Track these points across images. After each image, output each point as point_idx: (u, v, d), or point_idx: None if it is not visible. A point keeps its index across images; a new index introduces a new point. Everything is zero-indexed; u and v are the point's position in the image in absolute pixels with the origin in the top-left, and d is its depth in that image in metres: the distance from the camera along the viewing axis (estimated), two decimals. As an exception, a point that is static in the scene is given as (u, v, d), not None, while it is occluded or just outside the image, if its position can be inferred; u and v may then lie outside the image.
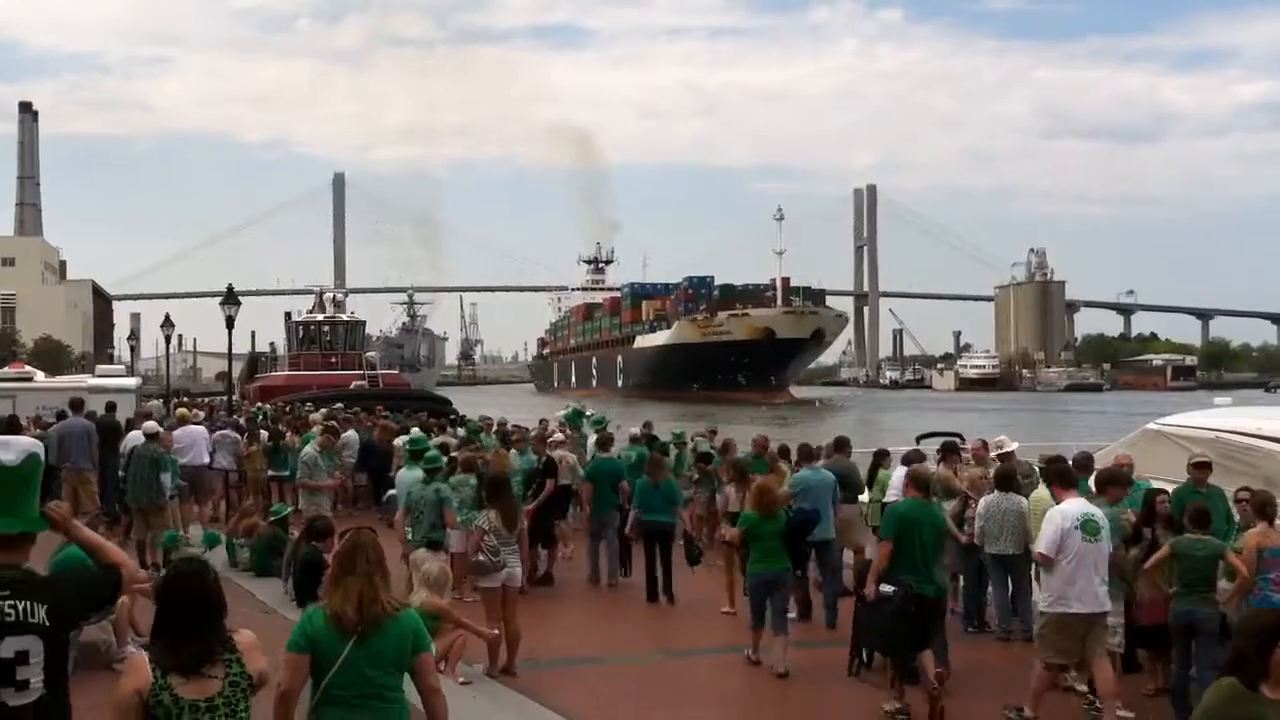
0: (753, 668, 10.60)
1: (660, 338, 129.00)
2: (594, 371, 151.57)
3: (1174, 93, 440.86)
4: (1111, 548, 9.04)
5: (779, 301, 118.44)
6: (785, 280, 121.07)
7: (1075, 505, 8.90)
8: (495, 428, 21.82)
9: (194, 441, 18.30)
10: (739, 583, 11.88)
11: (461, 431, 22.01)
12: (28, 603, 4.16)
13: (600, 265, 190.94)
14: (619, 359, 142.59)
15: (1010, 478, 11.80)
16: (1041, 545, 8.84)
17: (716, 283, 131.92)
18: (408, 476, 13.51)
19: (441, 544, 11.80)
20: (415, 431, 19.59)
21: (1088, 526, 8.68)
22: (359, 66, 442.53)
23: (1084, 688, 9.41)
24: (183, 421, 19.71)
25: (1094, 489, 10.34)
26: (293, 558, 12.05)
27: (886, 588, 9.34)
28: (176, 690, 4.18)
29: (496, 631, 10.13)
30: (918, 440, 17.85)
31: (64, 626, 4.27)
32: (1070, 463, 10.91)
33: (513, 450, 16.99)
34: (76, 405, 19.28)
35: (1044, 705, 8.89)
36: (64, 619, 4.27)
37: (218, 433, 20.67)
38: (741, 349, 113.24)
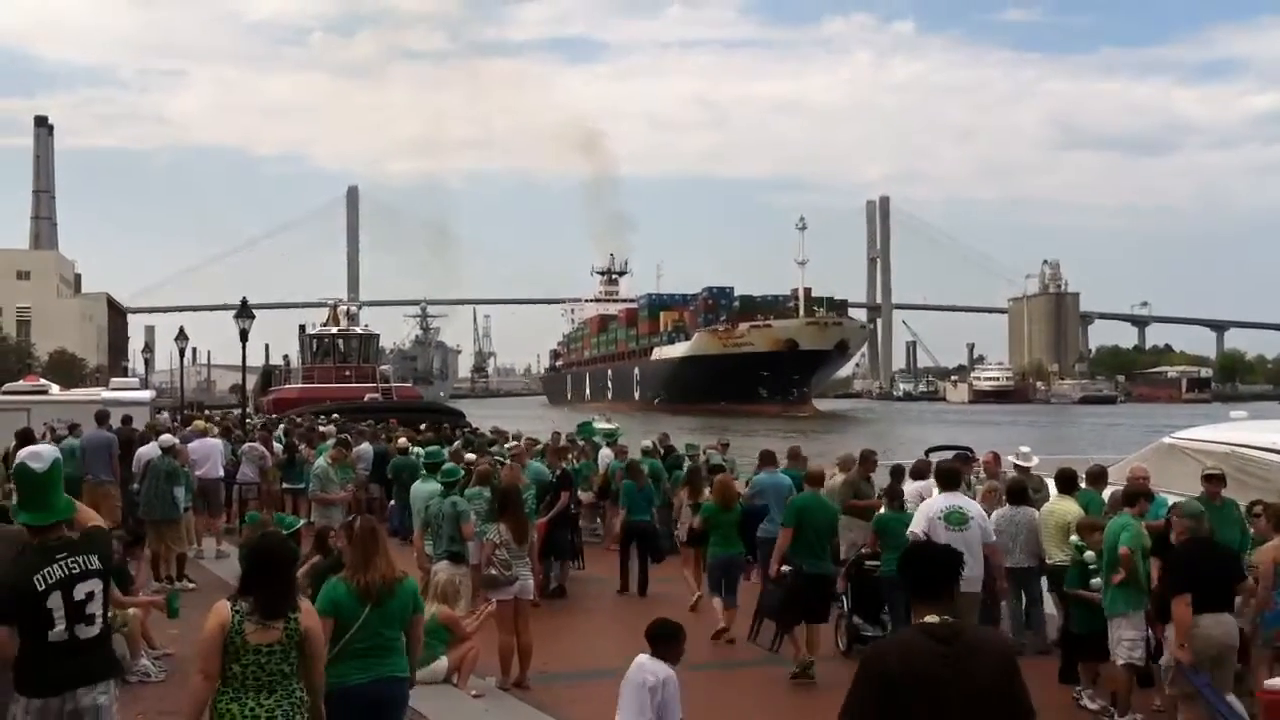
0: (764, 682, 10.64)
1: (679, 349, 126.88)
2: (609, 384, 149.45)
3: (1187, 104, 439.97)
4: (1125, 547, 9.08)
5: (801, 312, 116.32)
6: (807, 291, 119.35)
7: (943, 499, 10.21)
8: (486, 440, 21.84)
9: (209, 454, 18.37)
10: (698, 572, 13.61)
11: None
12: (84, 555, 5.59)
13: (614, 276, 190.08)
14: (636, 371, 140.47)
15: (1022, 490, 11.79)
16: (913, 530, 10.04)
17: (736, 294, 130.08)
18: (424, 489, 13.48)
19: (463, 557, 11.78)
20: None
21: (952, 517, 9.97)
22: (373, 80, 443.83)
23: (1096, 705, 9.41)
24: (200, 434, 19.77)
25: (1106, 500, 10.37)
26: (312, 571, 12.03)
27: (785, 568, 10.88)
28: (247, 635, 5.41)
29: (492, 610, 10.27)
30: (927, 453, 17.85)
31: (109, 571, 5.78)
32: (1017, 468, 12.75)
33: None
34: (101, 418, 19.38)
35: None
36: (108, 564, 5.77)
37: (245, 445, 20.80)
38: (763, 361, 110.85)
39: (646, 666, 6.79)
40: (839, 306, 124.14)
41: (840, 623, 11.78)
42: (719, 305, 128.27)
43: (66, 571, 5.50)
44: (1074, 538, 10.32)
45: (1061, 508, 11.17)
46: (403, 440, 21.94)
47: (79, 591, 5.51)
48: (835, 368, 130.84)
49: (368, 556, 6.49)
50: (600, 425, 22.02)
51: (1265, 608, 8.81)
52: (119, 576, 10.34)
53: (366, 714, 6.31)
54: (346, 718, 6.08)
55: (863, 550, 12.25)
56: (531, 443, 20.66)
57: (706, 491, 14.14)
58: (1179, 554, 8.53)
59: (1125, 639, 9.07)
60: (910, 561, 4.58)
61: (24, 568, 5.58)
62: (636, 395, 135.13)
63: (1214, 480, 10.43)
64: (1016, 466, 13.33)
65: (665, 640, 6.90)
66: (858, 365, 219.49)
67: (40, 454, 5.88)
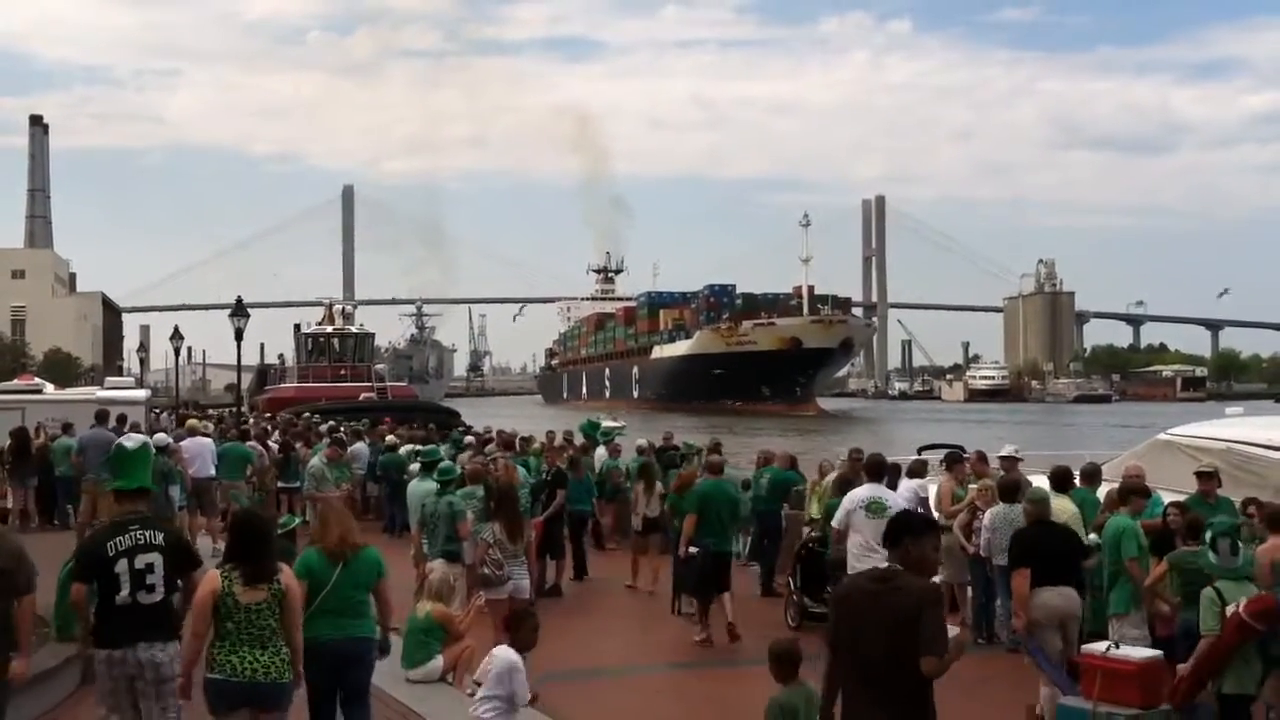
0: (760, 678, 10.64)
1: (680, 348, 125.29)
2: (607, 383, 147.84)
3: (1184, 103, 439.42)
4: (1131, 557, 9.34)
5: (805, 310, 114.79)
6: (811, 289, 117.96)
7: (866, 489, 11.21)
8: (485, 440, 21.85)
9: (200, 453, 18.31)
10: (652, 559, 15.12)
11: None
12: (151, 531, 6.75)
13: (610, 275, 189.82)
14: (635, 370, 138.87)
15: (1015, 489, 11.75)
16: (834, 522, 11.21)
17: (738, 291, 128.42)
18: (420, 488, 13.46)
19: (458, 556, 11.77)
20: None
21: (872, 506, 10.86)
22: (369, 79, 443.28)
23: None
24: (192, 433, 19.72)
25: (1101, 499, 10.36)
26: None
27: (693, 549, 12.16)
28: (238, 596, 6.36)
29: (481, 604, 10.35)
30: (919, 451, 17.91)
31: (172, 549, 6.78)
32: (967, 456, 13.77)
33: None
34: (101, 417, 19.34)
35: None
36: (171, 545, 6.81)
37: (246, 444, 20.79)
38: (766, 359, 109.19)
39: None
40: (843, 304, 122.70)
41: (789, 601, 13.02)
42: (721, 303, 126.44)
43: (134, 542, 6.67)
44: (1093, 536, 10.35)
45: (1056, 506, 11.13)
46: (391, 438, 22.01)
47: (140, 561, 6.64)
48: (839, 366, 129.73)
49: (330, 525, 7.40)
50: (607, 424, 22.02)
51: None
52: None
53: (334, 666, 7.08)
54: (317, 668, 6.86)
55: (811, 535, 13.33)
56: (525, 442, 20.72)
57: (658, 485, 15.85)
58: (1022, 534, 9.43)
59: (1128, 638, 9.07)
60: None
61: (101, 536, 6.90)
62: (636, 394, 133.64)
63: (1207, 478, 10.44)
64: (1003, 458, 13.30)
65: (517, 625, 7.95)
66: (853, 364, 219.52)
67: (133, 437, 8.02)
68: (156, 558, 6.69)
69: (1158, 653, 8.03)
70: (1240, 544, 8.53)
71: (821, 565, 12.29)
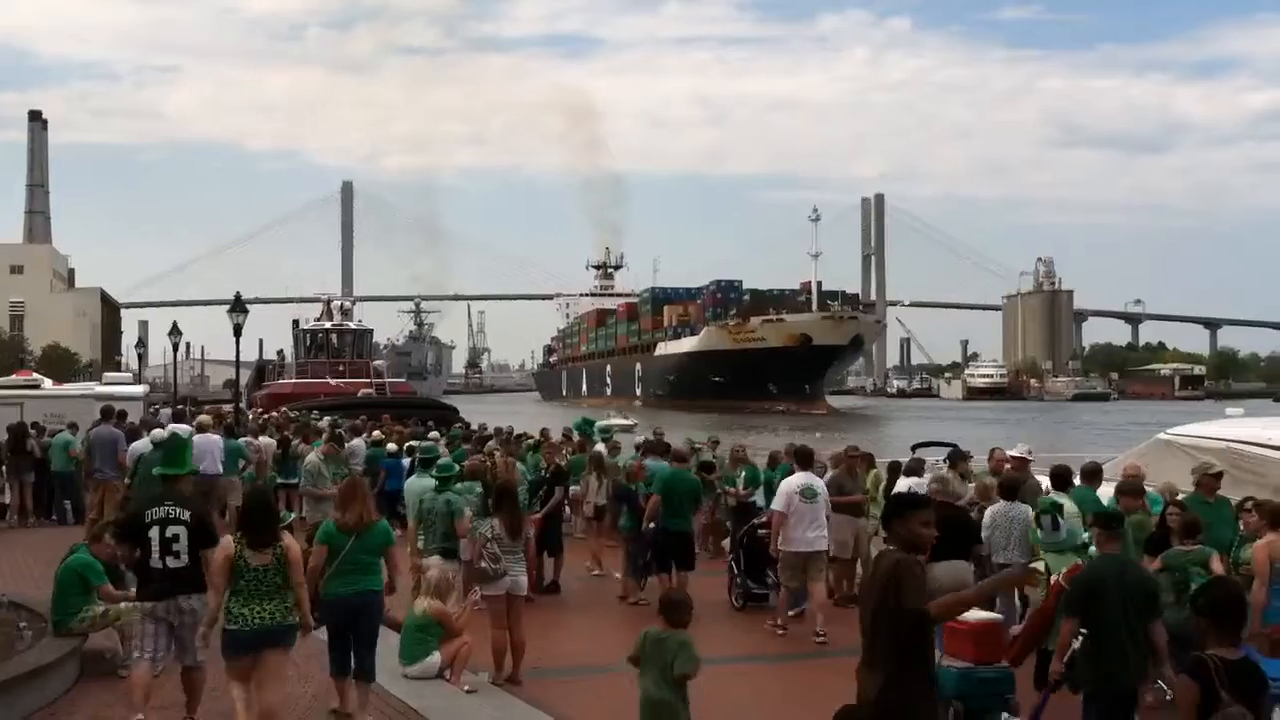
0: (760, 677, 10.67)
1: (686, 344, 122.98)
2: (609, 379, 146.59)
3: (1184, 102, 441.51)
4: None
5: (814, 306, 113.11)
6: (819, 284, 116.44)
7: (799, 478, 12.47)
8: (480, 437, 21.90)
9: (208, 450, 18.25)
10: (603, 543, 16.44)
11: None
12: (179, 507, 8.29)
13: (609, 271, 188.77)
14: (638, 366, 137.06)
15: (1015, 486, 11.73)
16: (775, 506, 12.47)
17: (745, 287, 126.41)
18: (418, 485, 13.44)
19: (455, 553, 11.72)
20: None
21: (806, 492, 12.25)
22: (368, 75, 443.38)
23: None
24: (200, 430, 19.63)
25: (1101, 497, 10.33)
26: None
27: (652, 526, 13.66)
28: (248, 559, 7.64)
29: (477, 599, 10.41)
30: (913, 449, 17.95)
31: (197, 524, 8.24)
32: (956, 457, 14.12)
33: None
34: (107, 414, 19.28)
35: (785, 618, 12.44)
36: (196, 520, 8.28)
37: (244, 440, 20.80)
38: (776, 356, 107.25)
39: None
40: (852, 300, 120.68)
41: (733, 583, 13.88)
42: (728, 299, 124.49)
43: (165, 515, 8.21)
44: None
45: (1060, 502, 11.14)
46: (377, 433, 22.21)
47: (169, 531, 8.16)
48: (848, 363, 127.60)
49: (348, 502, 8.86)
50: (619, 422, 22.14)
51: (1263, 606, 8.81)
52: (112, 572, 10.34)
53: (350, 616, 8.64)
54: (335, 618, 8.64)
55: (755, 521, 14.13)
56: (519, 440, 20.76)
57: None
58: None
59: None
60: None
61: (141, 505, 8.66)
62: (639, 391, 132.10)
63: (1213, 478, 10.41)
64: (1014, 458, 13.31)
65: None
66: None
67: (178, 429, 10.80)
68: (182, 530, 8.16)
69: (997, 616, 8.53)
70: (1061, 520, 10.16)
71: (764, 551, 13.26)
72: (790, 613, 12.61)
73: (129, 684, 8.64)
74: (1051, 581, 8.87)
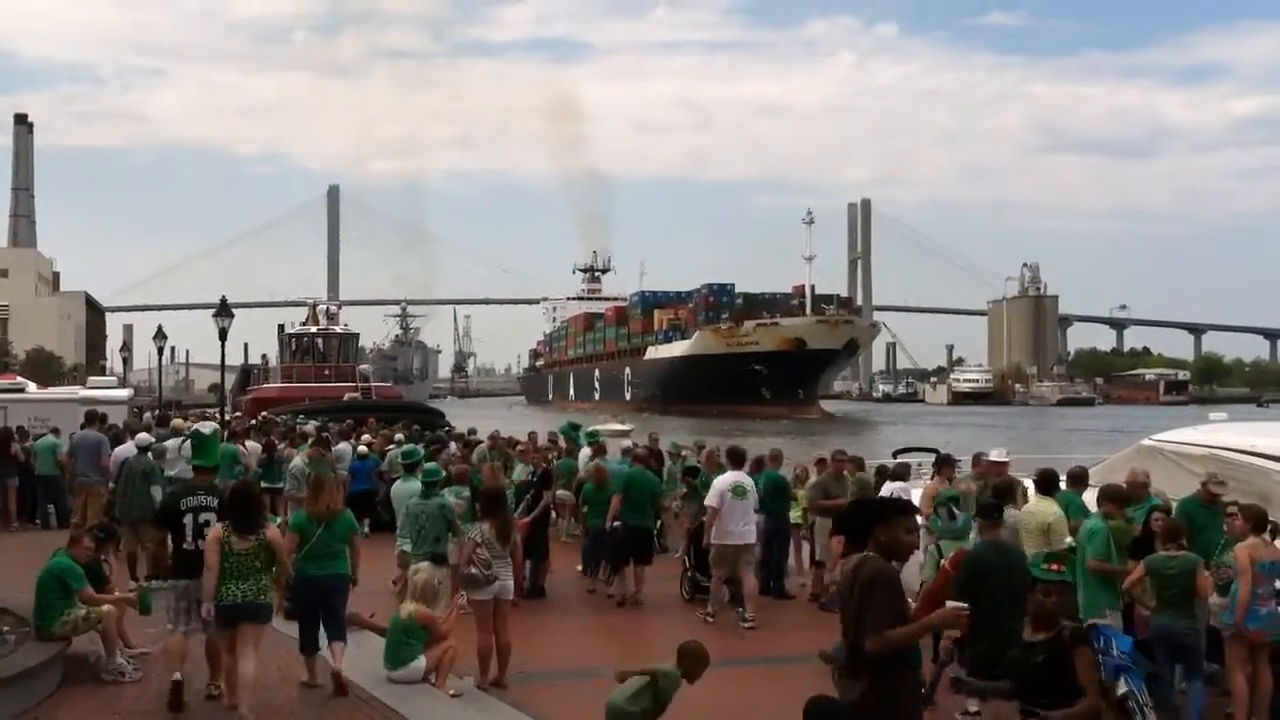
0: (756, 682, 10.66)
1: (678, 348, 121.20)
2: (596, 384, 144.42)
3: (1170, 108, 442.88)
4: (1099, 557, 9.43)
5: (808, 310, 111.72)
6: (813, 288, 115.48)
7: (730, 476, 13.46)
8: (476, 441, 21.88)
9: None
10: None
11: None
12: (209, 496, 9.45)
13: (596, 274, 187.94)
14: (627, 371, 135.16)
15: (1006, 490, 11.75)
16: (708, 501, 13.31)
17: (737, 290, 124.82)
18: (404, 489, 13.40)
19: (444, 558, 11.68)
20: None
21: (736, 490, 13.18)
22: (355, 79, 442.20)
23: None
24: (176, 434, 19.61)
25: (1085, 502, 10.37)
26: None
27: (616, 524, 14.44)
28: (234, 544, 8.79)
29: (462, 603, 10.45)
30: (895, 454, 17.99)
31: (223, 511, 9.14)
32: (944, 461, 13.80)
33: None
34: (91, 418, 19.21)
35: (718, 606, 13.31)
36: (222, 506, 9.22)
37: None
38: (769, 360, 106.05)
39: None
40: (847, 304, 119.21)
41: (684, 577, 14.57)
42: (720, 302, 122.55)
43: (198, 503, 9.35)
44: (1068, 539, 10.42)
45: (1041, 509, 11.14)
46: (366, 437, 22.26)
47: (201, 517, 9.27)
48: (842, 368, 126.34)
49: (318, 494, 10.07)
50: (613, 427, 22.21)
51: (1245, 604, 8.87)
52: (93, 574, 10.33)
53: (319, 596, 9.80)
54: (307, 597, 9.82)
55: (703, 519, 14.08)
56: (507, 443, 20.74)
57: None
58: (848, 506, 9.58)
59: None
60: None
61: (176, 494, 9.89)
62: (628, 396, 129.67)
63: (1219, 485, 10.46)
64: (992, 463, 13.34)
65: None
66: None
67: (206, 425, 12.69)
68: (213, 516, 9.20)
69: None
70: (957, 510, 10.83)
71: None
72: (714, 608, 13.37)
73: (165, 650, 9.53)
74: (940, 565, 9.81)
